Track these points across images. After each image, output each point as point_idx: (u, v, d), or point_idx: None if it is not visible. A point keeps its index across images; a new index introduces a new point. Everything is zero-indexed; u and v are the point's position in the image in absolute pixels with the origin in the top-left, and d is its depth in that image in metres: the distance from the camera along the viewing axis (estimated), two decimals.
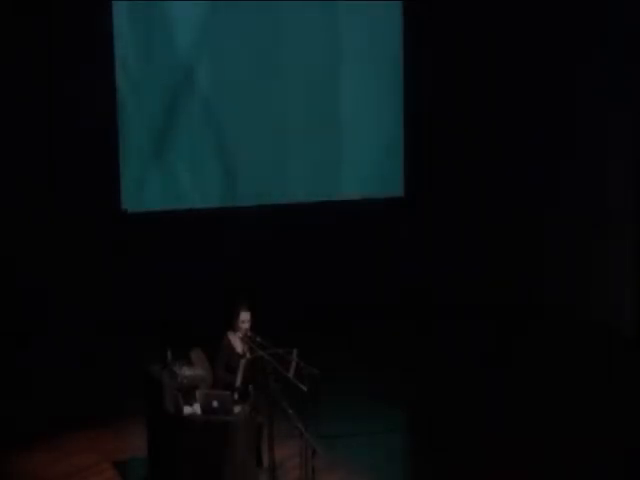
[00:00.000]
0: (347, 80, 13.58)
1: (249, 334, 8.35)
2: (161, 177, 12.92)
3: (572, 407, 10.32)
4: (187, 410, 8.22)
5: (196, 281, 12.66)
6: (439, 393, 10.82)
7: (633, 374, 11.67)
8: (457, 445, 9.46)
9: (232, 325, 8.48)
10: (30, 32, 12.05)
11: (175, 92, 12.88)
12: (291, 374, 8.16)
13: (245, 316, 8.43)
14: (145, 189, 12.85)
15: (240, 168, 13.25)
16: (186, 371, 8.46)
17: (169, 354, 8.53)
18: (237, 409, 8.15)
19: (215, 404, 8.05)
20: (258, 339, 8.22)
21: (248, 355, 8.35)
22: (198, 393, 8.20)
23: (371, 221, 13.62)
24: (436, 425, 10.01)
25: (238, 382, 8.27)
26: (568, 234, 13.39)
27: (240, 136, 13.20)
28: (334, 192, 13.63)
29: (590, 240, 13.14)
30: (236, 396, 8.25)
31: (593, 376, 11.32)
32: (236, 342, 8.49)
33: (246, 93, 13.12)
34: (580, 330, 12.78)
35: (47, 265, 12.32)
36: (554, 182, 13.50)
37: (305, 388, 8.00)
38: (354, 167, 13.70)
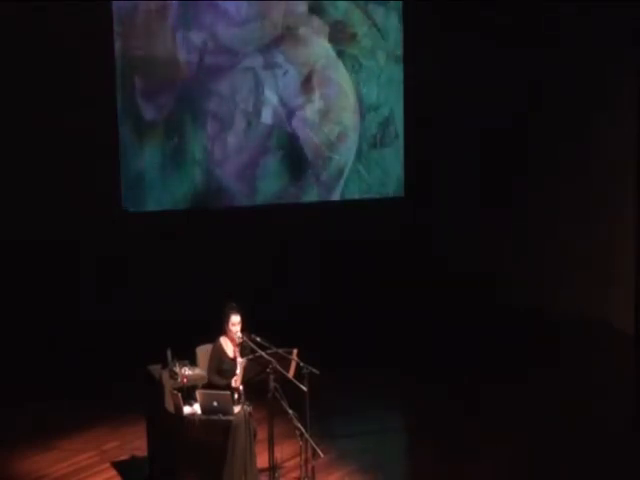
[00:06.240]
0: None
1: (240, 337, 8.31)
2: (161, 177, 12.91)
3: (572, 406, 10.32)
4: (187, 410, 8.23)
5: (196, 281, 12.66)
6: (439, 392, 10.82)
7: (633, 372, 11.70)
8: (457, 445, 9.46)
9: (224, 329, 8.46)
10: (31, 32, 12.05)
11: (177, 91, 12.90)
12: (291, 374, 8.17)
13: (235, 319, 8.38)
14: (145, 189, 12.84)
15: (240, 169, 13.27)
16: (186, 371, 8.47)
17: (169, 354, 8.53)
18: (237, 409, 8.15)
19: (215, 404, 8.06)
20: (258, 339, 8.21)
21: (239, 358, 8.34)
22: (198, 393, 8.20)
23: (371, 221, 13.62)
24: (436, 425, 10.01)
25: (238, 383, 8.26)
26: (568, 234, 13.39)
27: (240, 136, 13.22)
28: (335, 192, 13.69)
29: (590, 240, 13.16)
30: (236, 396, 8.25)
31: (594, 375, 11.33)
32: (227, 346, 8.47)
33: (241, 90, 13.14)
34: (580, 329, 12.79)
35: (47, 265, 12.31)
36: (555, 182, 13.50)
37: (305, 388, 8.01)
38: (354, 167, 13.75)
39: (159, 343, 8.64)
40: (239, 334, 8.33)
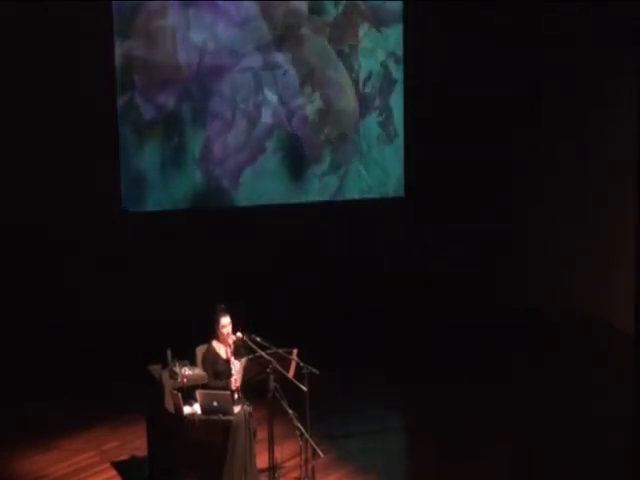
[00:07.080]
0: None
1: (240, 337, 8.31)
2: (161, 177, 12.91)
3: (572, 406, 10.32)
4: (187, 410, 8.23)
5: (196, 281, 12.65)
6: (439, 392, 10.82)
7: (633, 372, 11.70)
8: (457, 445, 9.45)
9: (215, 333, 8.47)
10: (31, 32, 12.04)
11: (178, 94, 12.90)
12: (291, 374, 8.17)
13: (225, 321, 8.39)
14: (145, 189, 12.84)
15: (240, 169, 13.27)
16: (186, 371, 8.47)
17: (169, 354, 8.53)
18: (237, 409, 8.15)
19: (215, 404, 8.06)
20: (258, 339, 8.21)
21: (233, 359, 8.35)
22: (198, 393, 8.20)
23: (371, 221, 13.62)
24: (436, 425, 10.01)
25: (237, 384, 8.26)
26: (568, 234, 13.39)
27: (240, 136, 13.21)
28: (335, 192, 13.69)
29: (590, 240, 13.15)
30: (235, 396, 8.25)
31: (594, 375, 11.33)
32: (220, 349, 8.48)
33: (241, 90, 13.14)
34: (580, 329, 12.79)
35: (47, 265, 12.31)
36: (555, 182, 13.50)
37: (305, 388, 8.01)
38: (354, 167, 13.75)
39: (159, 343, 8.64)
40: (239, 334, 8.33)
